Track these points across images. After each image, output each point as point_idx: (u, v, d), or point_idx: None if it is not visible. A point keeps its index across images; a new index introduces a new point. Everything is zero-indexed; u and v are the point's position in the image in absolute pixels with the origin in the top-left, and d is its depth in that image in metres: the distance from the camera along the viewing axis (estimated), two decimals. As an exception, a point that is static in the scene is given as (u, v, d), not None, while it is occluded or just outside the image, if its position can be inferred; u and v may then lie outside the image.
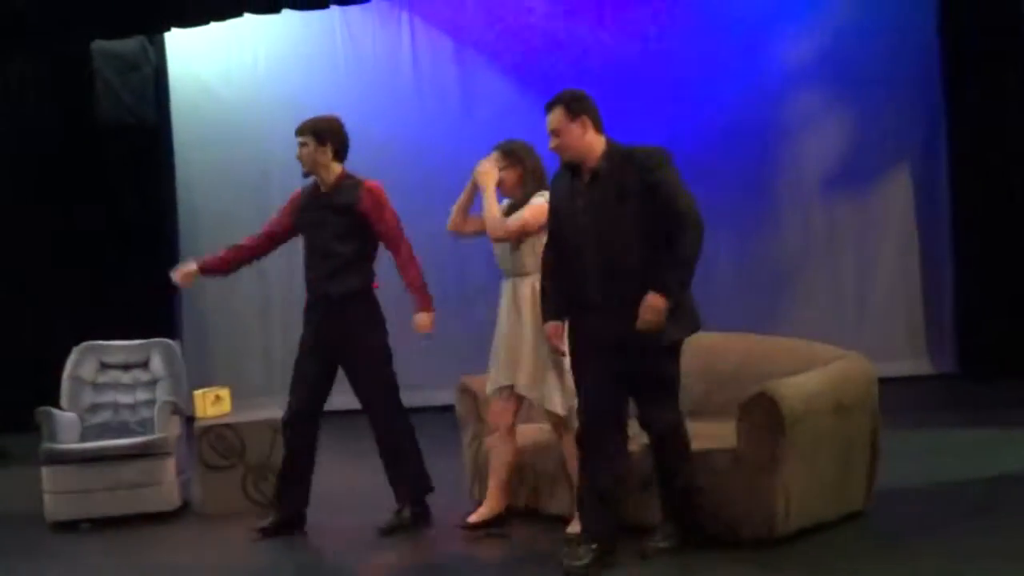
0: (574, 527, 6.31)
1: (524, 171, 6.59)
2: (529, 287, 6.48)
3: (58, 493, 7.66)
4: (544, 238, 6.30)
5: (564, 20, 11.61)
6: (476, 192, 6.69)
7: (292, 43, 11.92)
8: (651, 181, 5.70)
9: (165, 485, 7.75)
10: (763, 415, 6.00)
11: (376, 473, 7.07)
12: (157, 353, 8.43)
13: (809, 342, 6.99)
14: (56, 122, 11.37)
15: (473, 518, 6.75)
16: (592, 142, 5.84)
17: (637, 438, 6.10)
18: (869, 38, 11.33)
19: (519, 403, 6.66)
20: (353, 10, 11.46)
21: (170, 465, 7.78)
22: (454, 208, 6.81)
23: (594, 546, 5.86)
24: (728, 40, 11.48)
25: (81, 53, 11.54)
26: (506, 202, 6.65)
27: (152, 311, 11.18)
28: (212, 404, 7.95)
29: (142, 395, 8.33)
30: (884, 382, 6.67)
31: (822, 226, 11.58)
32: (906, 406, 9.15)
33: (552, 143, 5.89)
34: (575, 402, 6.19)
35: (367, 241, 6.99)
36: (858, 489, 6.47)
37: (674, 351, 5.92)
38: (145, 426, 8.11)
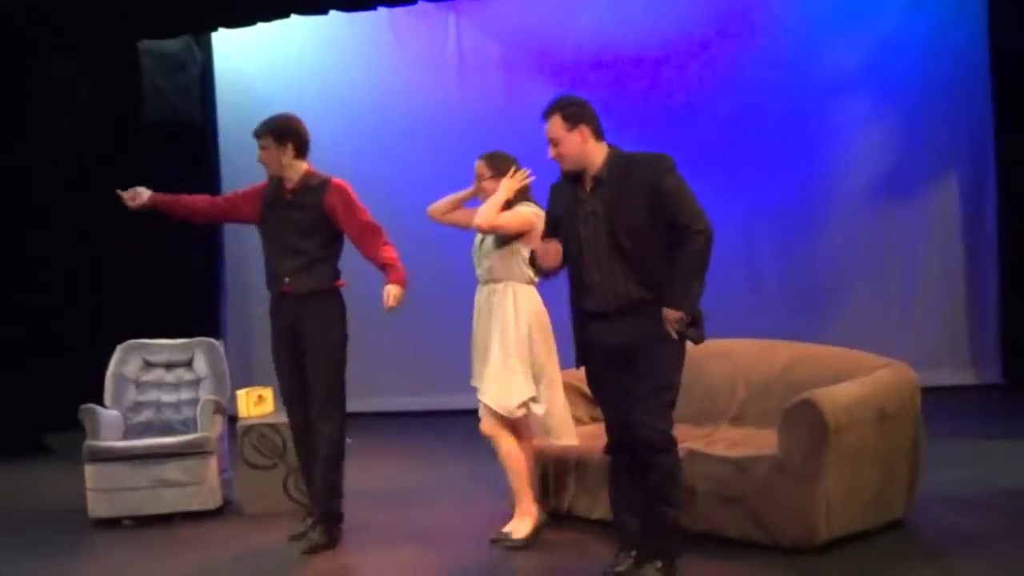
0: (512, 526, 6.56)
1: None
2: (499, 293, 6.59)
3: (100, 491, 7.73)
4: (521, 247, 6.50)
5: (611, 26, 11.60)
6: (471, 198, 6.80)
7: (337, 43, 11.98)
8: (656, 188, 5.54)
9: (207, 484, 7.80)
10: (806, 423, 5.98)
11: (417, 472, 7.06)
12: (201, 352, 8.48)
13: (853, 350, 6.95)
14: (104, 121, 11.45)
15: (507, 528, 6.69)
16: (592, 150, 5.68)
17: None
18: (916, 43, 11.26)
19: None
20: (399, 12, 11.50)
21: (212, 464, 7.83)
22: (447, 199, 6.88)
23: (633, 553, 5.84)
24: (776, 46, 11.44)
25: (128, 53, 11.63)
26: None
27: (196, 310, 11.26)
28: (255, 404, 8.00)
29: (185, 394, 8.39)
30: (927, 391, 6.64)
31: (868, 233, 11.50)
32: (949, 416, 9.09)
33: (551, 152, 5.74)
34: (539, 410, 6.46)
35: (333, 239, 6.98)
36: (899, 498, 6.43)
37: (680, 358, 5.71)
38: (188, 425, 8.17)
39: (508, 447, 6.61)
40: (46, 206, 10.96)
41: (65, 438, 7.62)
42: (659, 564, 5.69)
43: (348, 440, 7.10)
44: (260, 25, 10.87)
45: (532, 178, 6.62)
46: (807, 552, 6.00)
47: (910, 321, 11.32)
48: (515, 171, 6.62)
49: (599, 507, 6.74)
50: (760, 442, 6.36)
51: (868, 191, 11.51)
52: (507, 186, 6.57)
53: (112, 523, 7.65)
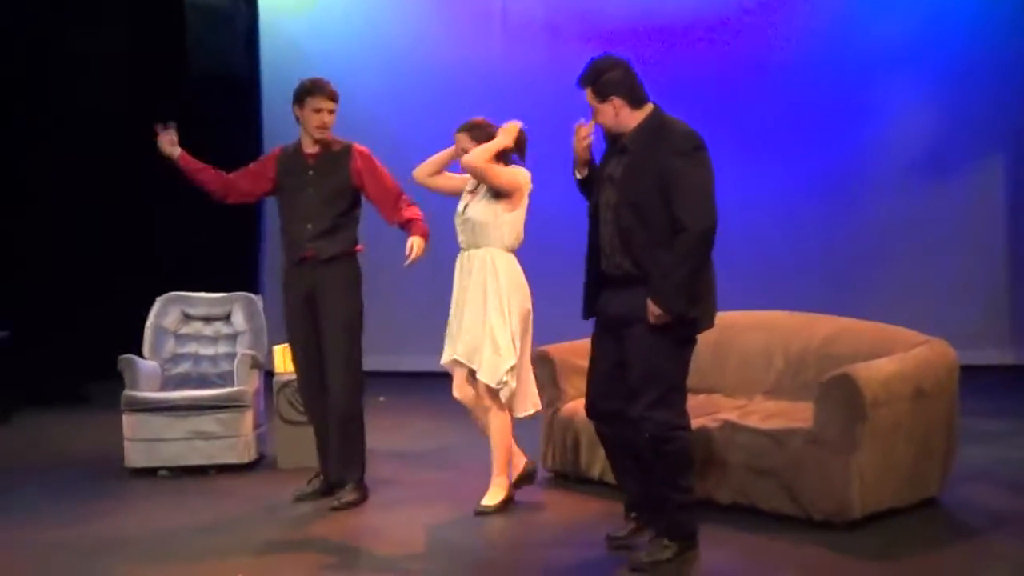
0: (489, 499, 6.63)
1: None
2: (479, 259, 6.59)
3: (137, 440, 7.80)
4: (509, 213, 6.54)
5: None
6: (452, 160, 6.81)
7: (382, 2, 11.96)
8: (670, 165, 5.39)
9: (242, 437, 7.86)
10: (843, 397, 5.96)
11: (446, 433, 7.07)
12: (239, 307, 8.53)
13: (892, 326, 6.92)
14: (148, 75, 11.48)
15: (486, 501, 6.73)
16: (625, 119, 5.57)
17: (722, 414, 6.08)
18: (963, 22, 11.17)
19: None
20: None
21: (248, 418, 7.89)
22: (430, 159, 6.87)
23: (633, 515, 5.92)
24: (822, 20, 11.37)
25: (174, 6, 11.65)
26: (471, 180, 6.75)
27: (235, 265, 11.31)
28: (291, 359, 8.03)
29: (223, 348, 8.45)
30: (965, 370, 6.61)
31: (909, 210, 11.44)
32: (987, 395, 9.05)
33: (593, 119, 5.66)
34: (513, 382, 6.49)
35: (355, 204, 6.99)
36: (934, 475, 6.41)
37: (676, 345, 5.55)
38: (225, 378, 8.22)
39: (503, 420, 6.65)
40: (89, 158, 11.01)
41: (103, 388, 7.67)
42: (667, 542, 5.62)
43: (380, 398, 7.14)
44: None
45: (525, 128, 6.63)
46: (839, 527, 6.00)
47: (950, 299, 11.26)
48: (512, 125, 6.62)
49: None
50: (796, 415, 6.35)
51: (911, 168, 11.45)
52: (507, 130, 6.58)
53: (148, 473, 7.72)
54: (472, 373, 6.62)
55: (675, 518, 5.64)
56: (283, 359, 7.99)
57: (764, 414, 6.56)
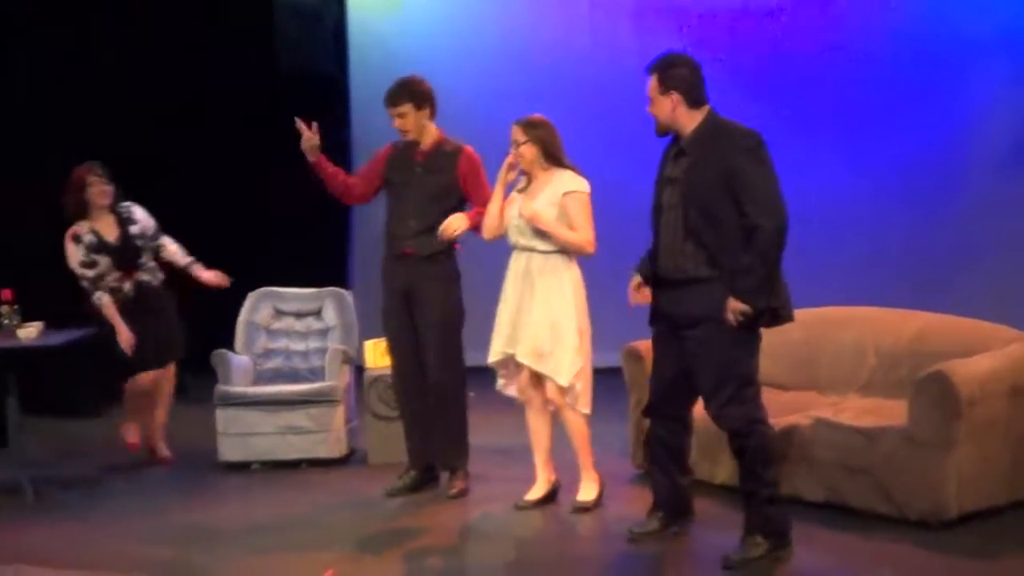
0: (583, 495, 6.68)
1: (542, 146, 6.60)
2: (539, 260, 6.57)
3: (230, 435, 7.90)
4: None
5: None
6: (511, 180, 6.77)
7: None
8: (734, 167, 5.44)
9: (333, 432, 7.93)
10: (938, 395, 5.90)
11: (524, 431, 7.08)
12: (330, 302, 8.59)
13: (985, 322, 6.83)
14: (238, 73, 11.58)
15: (529, 496, 6.81)
16: (682, 117, 5.62)
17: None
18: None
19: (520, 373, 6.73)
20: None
21: (339, 413, 7.96)
22: (490, 214, 6.76)
23: (660, 513, 6.03)
24: (911, 4, 11.22)
25: (263, 4, 11.75)
26: (523, 179, 6.74)
27: (326, 260, 11.38)
28: (382, 355, 8.06)
29: (314, 343, 8.52)
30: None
31: (1000, 203, 11.21)
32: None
33: (649, 108, 5.73)
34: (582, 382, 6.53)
35: (458, 204, 7.02)
36: (1031, 475, 6.33)
37: (747, 341, 5.59)
38: (316, 374, 8.30)
39: (580, 418, 6.66)
40: (184, 156, 11.14)
41: (196, 383, 7.81)
42: (759, 539, 5.62)
43: (470, 393, 7.18)
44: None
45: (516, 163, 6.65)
46: (934, 526, 5.94)
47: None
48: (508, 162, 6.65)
49: (721, 471, 6.76)
50: (889, 412, 6.29)
51: (1002, 158, 11.23)
52: (500, 180, 6.68)
53: (241, 467, 7.82)
54: (534, 374, 6.63)
55: (764, 513, 5.63)
56: (374, 354, 8.04)
57: (857, 411, 6.50)
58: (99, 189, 7.93)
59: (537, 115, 6.69)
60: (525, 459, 7.00)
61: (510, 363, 6.74)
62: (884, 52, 11.21)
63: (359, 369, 8.24)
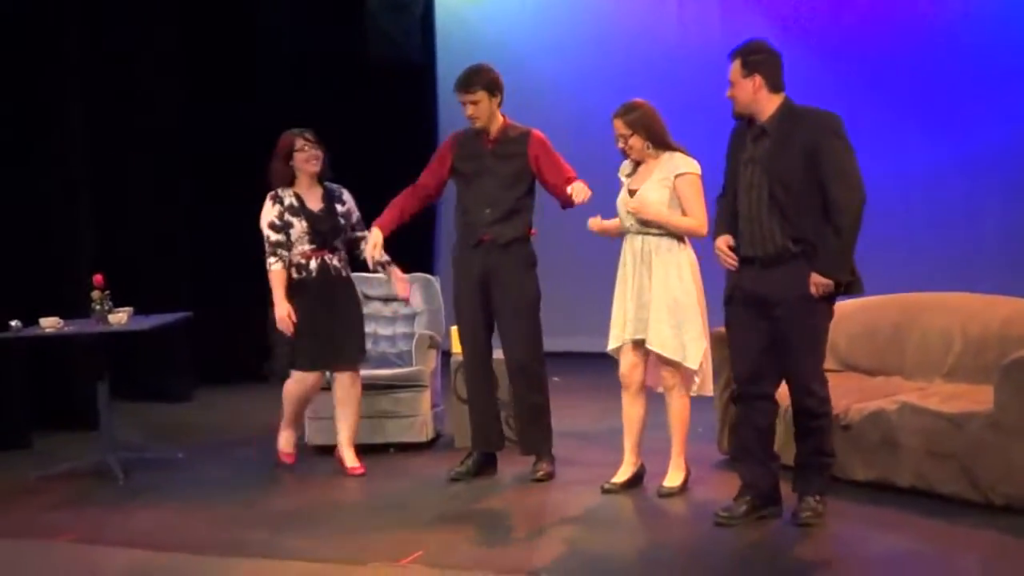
0: (671, 480, 6.71)
1: (647, 133, 6.59)
2: (654, 243, 6.57)
3: (317, 419, 7.98)
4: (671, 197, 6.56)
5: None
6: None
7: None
8: (815, 147, 5.67)
9: (420, 417, 8.01)
10: (1025, 381, 5.85)
11: (607, 415, 7.11)
12: (417, 288, 8.64)
13: (1076, 307, 6.76)
14: (327, 63, 11.70)
15: (616, 479, 6.83)
16: (762, 101, 5.83)
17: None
18: None
19: (646, 360, 6.72)
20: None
21: (425, 397, 8.04)
22: (613, 228, 6.81)
23: (748, 498, 6.05)
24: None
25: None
26: (628, 163, 6.76)
27: (412, 246, 11.46)
28: (459, 340, 8.13)
29: (401, 328, 8.60)
30: None
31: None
32: None
33: (728, 92, 5.92)
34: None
35: (531, 189, 7.08)
36: (1121, 462, 6.24)
37: (827, 318, 5.88)
38: (403, 358, 8.38)
39: (686, 404, 6.70)
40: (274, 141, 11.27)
41: (284, 366, 7.89)
42: (819, 498, 5.99)
43: (555, 379, 7.22)
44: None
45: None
46: (1021, 512, 5.89)
47: None
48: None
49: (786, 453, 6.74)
50: (976, 398, 6.24)
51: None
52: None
53: (328, 450, 7.88)
54: (660, 358, 6.62)
55: (825, 477, 6.03)
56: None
57: (943, 396, 6.45)
58: (308, 155, 7.43)
59: (633, 100, 6.69)
60: (605, 443, 7.02)
61: (632, 347, 6.72)
62: (980, 34, 11.04)
63: (445, 354, 8.30)
